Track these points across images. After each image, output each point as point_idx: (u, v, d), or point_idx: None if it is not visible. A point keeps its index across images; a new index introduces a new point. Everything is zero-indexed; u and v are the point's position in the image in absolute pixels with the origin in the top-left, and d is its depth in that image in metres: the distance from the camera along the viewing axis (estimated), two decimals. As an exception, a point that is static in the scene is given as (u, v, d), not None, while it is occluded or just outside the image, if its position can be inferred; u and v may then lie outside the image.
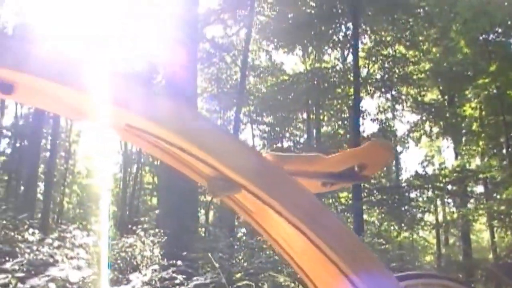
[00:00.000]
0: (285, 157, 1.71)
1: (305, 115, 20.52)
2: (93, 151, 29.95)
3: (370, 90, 19.93)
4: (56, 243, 8.87)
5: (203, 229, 16.20)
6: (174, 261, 8.27)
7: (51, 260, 8.15)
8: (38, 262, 7.21)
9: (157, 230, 10.51)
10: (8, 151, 28.10)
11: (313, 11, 18.60)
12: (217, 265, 8.88)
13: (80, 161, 29.48)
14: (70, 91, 1.32)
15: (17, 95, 1.31)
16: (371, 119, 20.89)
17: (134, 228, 12.11)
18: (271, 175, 1.47)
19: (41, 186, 23.54)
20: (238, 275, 9.07)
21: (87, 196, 28.04)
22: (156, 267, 7.71)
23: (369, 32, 19.75)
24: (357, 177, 1.79)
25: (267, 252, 13.49)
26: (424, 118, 22.03)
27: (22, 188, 25.74)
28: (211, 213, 24.68)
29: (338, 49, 20.45)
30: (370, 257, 1.55)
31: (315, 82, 19.33)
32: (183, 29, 12.41)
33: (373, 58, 19.94)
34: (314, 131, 20.60)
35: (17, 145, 26.92)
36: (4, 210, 9.04)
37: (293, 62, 21.56)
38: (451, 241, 25.70)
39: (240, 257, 11.25)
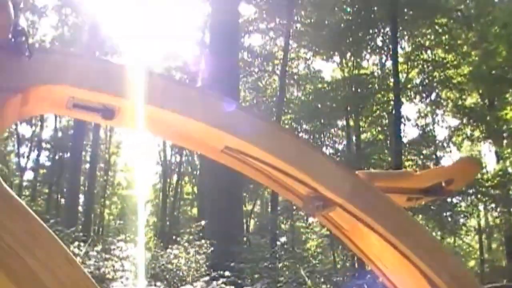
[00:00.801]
0: (375, 174, 1.73)
1: (344, 122, 20.42)
2: (132, 162, 30.31)
3: (410, 95, 19.75)
4: (102, 256, 8.96)
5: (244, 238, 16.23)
6: (222, 272, 8.28)
7: (97, 272, 8.22)
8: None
9: (203, 241, 10.48)
10: (48, 163, 28.56)
11: (350, 17, 18.56)
12: (265, 275, 8.89)
13: (119, 172, 29.80)
14: (170, 115, 1.33)
15: (117, 120, 1.35)
16: (411, 125, 20.75)
17: (178, 238, 12.16)
18: (365, 193, 1.49)
19: (81, 198, 23.86)
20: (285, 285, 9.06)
21: (127, 207, 28.34)
22: (206, 278, 7.72)
23: (407, 36, 19.59)
24: (443, 192, 1.79)
25: (313, 262, 13.48)
26: (464, 122, 21.71)
27: (62, 200, 26.16)
28: (251, 222, 24.72)
29: (377, 54, 20.33)
30: (463, 271, 1.55)
31: (354, 89, 19.25)
32: (225, 38, 12.50)
33: (413, 63, 19.75)
34: (354, 137, 20.49)
35: (57, 157, 27.32)
36: (53, 224, 9.13)
37: (331, 69, 21.47)
38: (494, 246, 25.29)
39: (284, 266, 11.23)
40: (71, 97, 1.26)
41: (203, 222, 11.26)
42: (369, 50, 19.63)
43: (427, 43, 19.81)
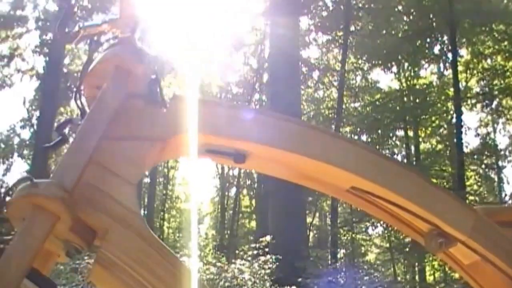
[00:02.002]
0: (495, 209, 1.73)
1: (402, 133, 20.17)
2: (191, 176, 30.55)
3: (470, 104, 19.40)
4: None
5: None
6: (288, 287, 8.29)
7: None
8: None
9: (268, 256, 10.48)
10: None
11: (406, 27, 18.39)
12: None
13: (178, 186, 30.08)
14: (300, 158, 1.37)
15: (248, 163, 1.38)
16: (472, 134, 20.44)
17: (239, 252, 12.18)
18: (486, 229, 1.50)
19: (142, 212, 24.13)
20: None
21: (186, 220, 28.56)
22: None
23: (465, 44, 19.26)
24: None
25: (374, 274, 13.35)
26: (527, 130, 21.26)
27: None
28: (310, 234, 24.61)
29: (434, 63, 20.06)
30: None
31: (412, 99, 19.04)
32: (286, 49, 12.56)
33: (472, 71, 19.41)
34: (413, 148, 20.21)
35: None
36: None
37: (388, 79, 21.29)
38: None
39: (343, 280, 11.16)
40: (205, 143, 1.33)
41: (268, 237, 11.26)
42: (427, 60, 19.36)
43: (486, 50, 19.43)
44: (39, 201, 1.14)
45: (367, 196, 1.49)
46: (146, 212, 23.48)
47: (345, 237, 20.08)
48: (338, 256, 17.58)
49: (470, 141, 23.20)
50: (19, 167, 36.82)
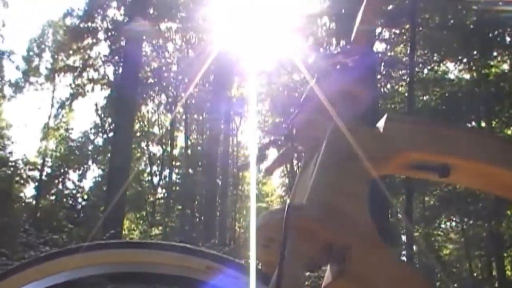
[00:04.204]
0: None
1: (475, 124, 19.68)
2: (260, 175, 30.71)
3: (545, 92, 18.74)
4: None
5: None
6: None
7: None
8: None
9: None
10: (179, 181, 29.51)
11: (475, 18, 17.93)
12: None
13: (248, 186, 30.23)
14: (502, 171, 1.43)
15: (452, 177, 1.45)
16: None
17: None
18: None
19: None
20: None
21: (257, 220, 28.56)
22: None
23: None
24: None
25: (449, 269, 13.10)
26: None
27: (195, 215, 26.92)
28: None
29: (506, 53, 19.46)
30: None
31: (485, 89, 18.54)
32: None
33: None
34: (487, 140, 19.64)
35: (187, 174, 28.10)
36: (213, 244, 9.40)
37: (459, 71, 20.76)
38: None
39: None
40: (411, 159, 1.41)
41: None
42: (499, 50, 18.83)
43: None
44: (302, 223, 1.21)
45: None
46: (219, 212, 23.74)
47: (419, 233, 19.79)
48: (412, 252, 17.34)
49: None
50: (94, 173, 37.98)
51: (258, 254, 1.29)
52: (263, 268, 1.33)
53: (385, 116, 1.41)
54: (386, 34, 19.21)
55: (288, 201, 1.28)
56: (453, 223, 21.72)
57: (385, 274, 1.22)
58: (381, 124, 1.40)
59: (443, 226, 22.25)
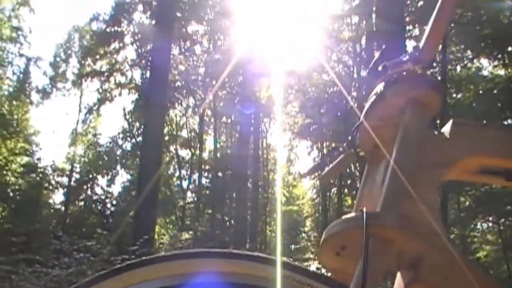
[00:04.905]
0: None
1: (511, 122, 19.25)
2: (289, 178, 30.58)
3: None
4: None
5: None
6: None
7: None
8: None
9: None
10: (209, 184, 29.46)
11: (508, 13, 17.54)
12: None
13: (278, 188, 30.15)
14: None
15: None
16: None
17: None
18: None
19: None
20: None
21: (288, 223, 28.55)
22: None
23: None
24: None
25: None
26: None
27: (225, 219, 26.85)
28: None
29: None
30: None
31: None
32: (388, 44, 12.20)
33: None
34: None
35: (217, 177, 28.05)
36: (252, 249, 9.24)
37: (493, 67, 20.33)
38: None
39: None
40: (481, 164, 1.43)
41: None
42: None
43: None
44: (379, 230, 1.22)
45: None
46: (249, 216, 23.59)
47: (455, 234, 19.41)
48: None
49: None
50: (122, 178, 38.05)
51: (328, 261, 1.33)
52: (332, 276, 1.36)
53: (450, 121, 1.43)
54: (416, 31, 18.86)
55: (364, 209, 1.25)
56: (490, 224, 21.26)
57: (457, 281, 1.23)
58: (447, 129, 1.42)
59: (479, 227, 21.82)
